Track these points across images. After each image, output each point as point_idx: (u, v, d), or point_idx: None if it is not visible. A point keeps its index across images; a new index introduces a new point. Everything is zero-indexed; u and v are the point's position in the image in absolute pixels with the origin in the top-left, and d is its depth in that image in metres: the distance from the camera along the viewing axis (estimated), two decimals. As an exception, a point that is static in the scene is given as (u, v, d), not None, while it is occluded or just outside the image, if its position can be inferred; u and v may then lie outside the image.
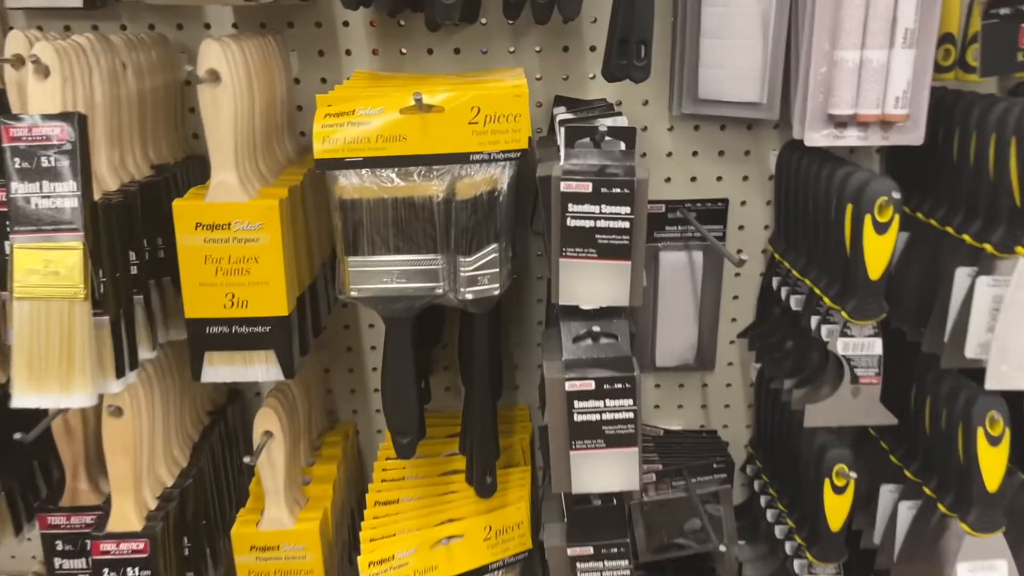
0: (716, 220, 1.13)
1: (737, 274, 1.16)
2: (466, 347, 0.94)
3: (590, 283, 0.82)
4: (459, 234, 0.82)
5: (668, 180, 1.12)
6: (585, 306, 0.84)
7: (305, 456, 1.08)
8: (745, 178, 1.12)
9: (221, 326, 0.86)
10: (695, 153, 1.11)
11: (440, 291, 0.84)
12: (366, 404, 1.23)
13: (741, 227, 1.14)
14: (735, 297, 1.17)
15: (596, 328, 0.85)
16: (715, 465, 1.13)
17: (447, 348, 1.18)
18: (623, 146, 0.81)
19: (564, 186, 0.79)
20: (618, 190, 0.78)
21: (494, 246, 0.84)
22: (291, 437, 1.00)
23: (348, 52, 1.06)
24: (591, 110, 0.93)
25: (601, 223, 0.80)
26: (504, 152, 0.82)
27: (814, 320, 0.95)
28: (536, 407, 1.23)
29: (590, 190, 0.79)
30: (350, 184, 0.80)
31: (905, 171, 0.98)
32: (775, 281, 1.09)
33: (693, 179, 1.12)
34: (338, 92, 0.84)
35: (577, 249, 0.81)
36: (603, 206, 0.79)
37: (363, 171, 0.80)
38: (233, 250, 0.84)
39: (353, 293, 0.83)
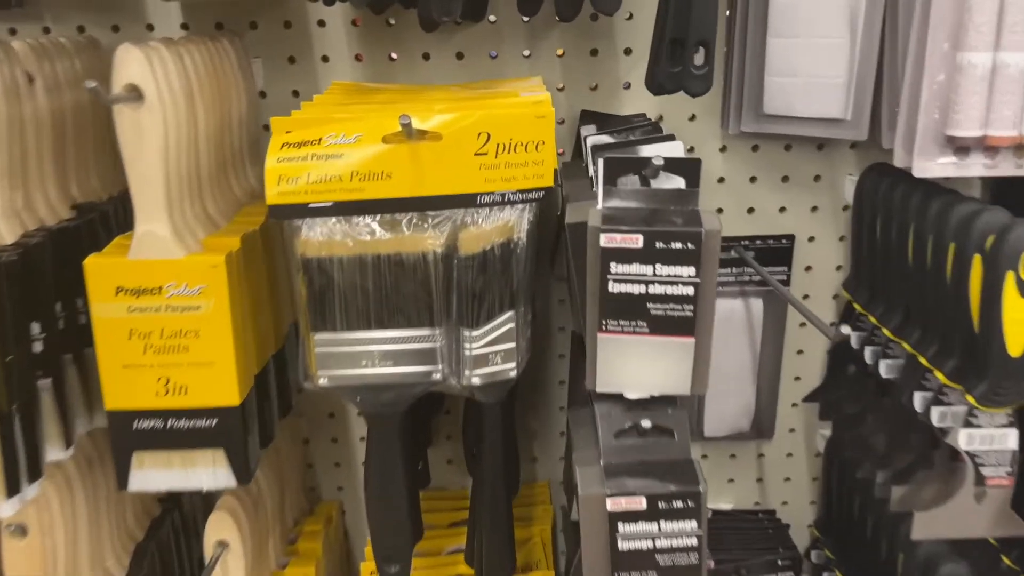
0: (778, 260, 0.92)
1: (802, 324, 0.95)
2: (473, 435, 0.73)
3: (639, 365, 0.62)
4: (463, 300, 0.62)
5: (720, 211, 0.91)
6: (632, 395, 0.64)
7: (276, 557, 0.88)
8: (814, 209, 0.91)
9: (153, 419, 0.65)
10: (753, 179, 0.90)
11: (438, 376, 0.63)
12: (352, 479, 1.02)
13: (808, 268, 0.93)
14: (799, 352, 0.97)
15: (646, 423, 0.65)
16: (780, 562, 0.92)
17: (450, 413, 0.97)
18: (683, 183, 0.60)
19: (606, 240, 0.58)
20: (680, 245, 0.58)
21: (509, 314, 0.63)
22: (255, 542, 0.79)
23: (325, 58, 0.85)
24: (630, 130, 0.73)
25: (656, 288, 0.59)
26: (522, 192, 0.61)
27: (920, 399, 0.74)
28: (558, 482, 1.02)
29: (641, 245, 0.58)
30: (316, 238, 0.60)
31: (1016, 202, 0.77)
32: (855, 338, 0.88)
33: (750, 211, 0.91)
34: (303, 113, 0.63)
35: (622, 322, 0.60)
36: (659, 266, 0.58)
37: (333, 220, 0.60)
38: (166, 321, 0.64)
39: (322, 381, 0.62)
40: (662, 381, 0.62)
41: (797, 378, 0.98)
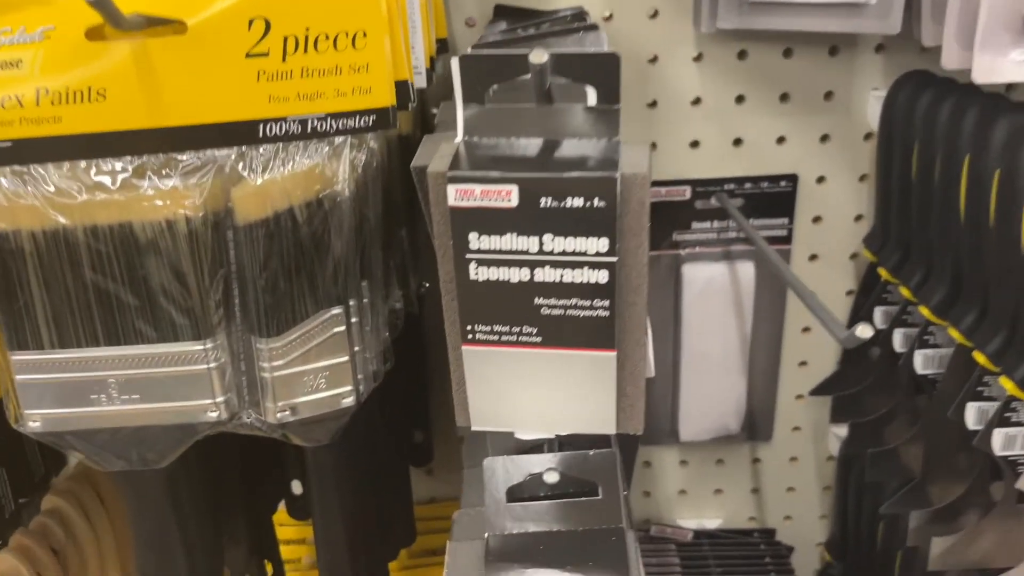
0: (777, 209, 0.68)
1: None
2: (314, 505, 0.49)
3: (531, 391, 0.38)
4: (247, 294, 0.39)
5: (695, 145, 0.67)
6: (525, 436, 0.41)
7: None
8: (824, 139, 0.66)
9: None
10: (740, 99, 0.65)
11: (216, 413, 0.40)
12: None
13: (816, 219, 0.69)
14: (805, 329, 0.73)
15: (551, 475, 0.42)
16: (778, 607, 0.70)
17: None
18: (592, 98, 0.36)
19: (457, 194, 0.34)
20: (581, 201, 0.34)
21: (334, 312, 0.40)
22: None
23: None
24: (542, 24, 0.48)
25: (547, 273, 0.35)
26: (335, 117, 0.37)
27: (974, 412, 0.51)
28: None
29: (516, 202, 0.34)
30: (-11, 201, 0.37)
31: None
32: (879, 313, 0.65)
33: (737, 142, 0.67)
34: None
35: (497, 328, 0.37)
36: (550, 237, 0.35)
37: (12, 172, 0.36)
38: None
39: (33, 424, 0.40)
40: (569, 415, 0.39)
41: (803, 363, 0.74)
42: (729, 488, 0.80)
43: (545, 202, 0.34)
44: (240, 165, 0.37)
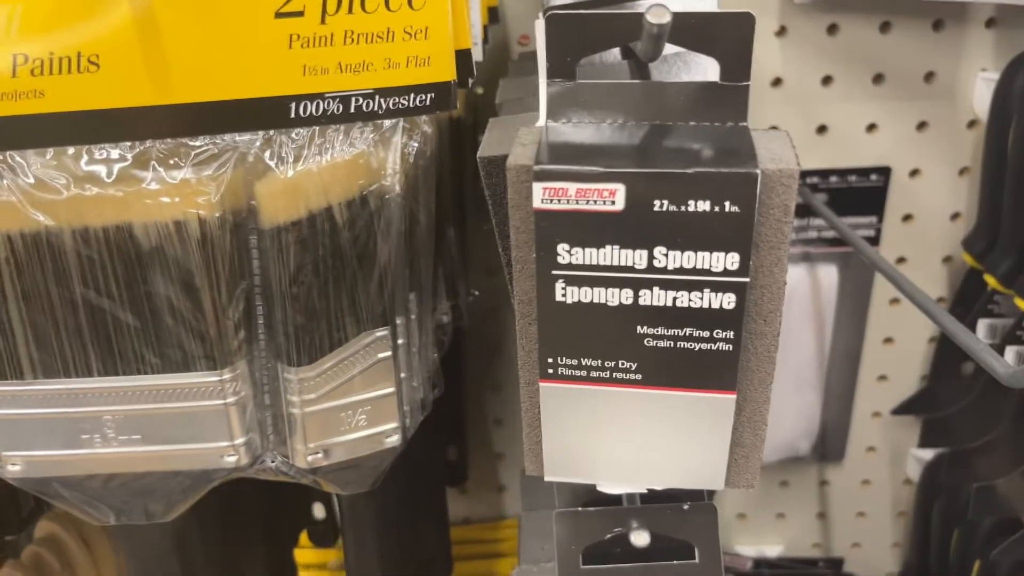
0: (865, 206, 0.60)
1: (895, 299, 0.64)
2: (349, 557, 0.42)
3: (624, 439, 0.31)
4: (273, 313, 0.31)
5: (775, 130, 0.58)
6: (611, 489, 0.33)
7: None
8: (922, 126, 0.58)
9: None
10: (828, 80, 0.57)
11: (235, 458, 0.33)
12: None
13: (907, 217, 0.61)
14: (887, 340, 0.65)
15: (641, 536, 0.34)
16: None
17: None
18: (714, 72, 0.28)
19: (544, 194, 0.27)
20: (708, 205, 0.26)
21: (378, 334, 0.33)
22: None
23: None
24: (625, -13, 0.40)
25: (656, 296, 0.28)
26: (386, 94, 0.30)
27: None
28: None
29: (622, 206, 0.27)
30: (-46, 195, 0.29)
31: None
32: (983, 326, 0.57)
33: (822, 130, 0.59)
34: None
35: (586, 361, 0.29)
36: (662, 251, 0.27)
37: (-17, 159, 0.29)
38: None
39: (12, 468, 0.32)
40: (668, 468, 0.32)
41: (882, 377, 0.66)
42: (793, 512, 0.73)
43: (660, 205, 0.26)
44: (267, 154, 0.30)
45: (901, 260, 0.63)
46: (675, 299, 0.28)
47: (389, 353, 0.34)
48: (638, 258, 0.27)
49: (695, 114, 0.29)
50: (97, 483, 0.32)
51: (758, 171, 0.26)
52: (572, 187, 0.27)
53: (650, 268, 0.27)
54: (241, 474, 0.34)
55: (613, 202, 0.27)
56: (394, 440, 0.35)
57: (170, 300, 0.30)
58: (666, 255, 0.27)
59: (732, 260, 0.27)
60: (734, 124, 0.28)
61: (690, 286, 0.27)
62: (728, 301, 0.27)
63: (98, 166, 0.29)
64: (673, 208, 0.26)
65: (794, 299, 0.61)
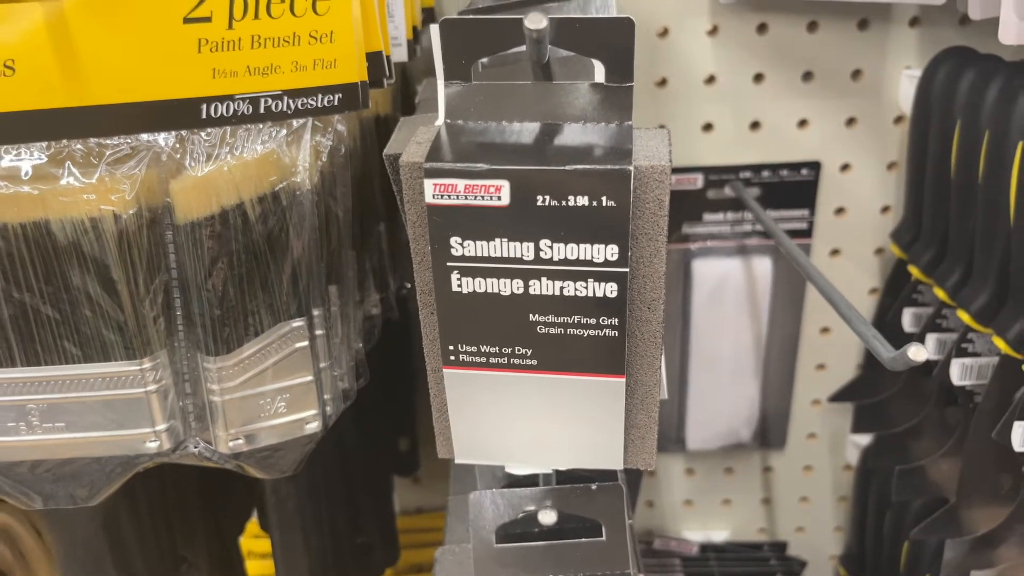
0: (796, 200, 0.62)
1: (829, 291, 0.66)
2: (275, 544, 0.43)
3: (524, 421, 0.33)
4: (189, 304, 0.33)
5: (708, 128, 0.60)
6: (518, 471, 0.35)
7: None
8: (851, 122, 0.60)
9: None
10: (759, 77, 0.59)
11: (157, 443, 0.34)
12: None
13: (839, 211, 0.63)
14: (824, 330, 0.67)
15: (548, 515, 0.36)
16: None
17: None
18: (599, 73, 0.30)
19: (436, 190, 0.28)
20: (586, 200, 0.28)
21: (296, 324, 0.34)
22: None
23: None
24: (542, -11, 0.42)
25: (545, 285, 0.30)
26: (293, 95, 0.31)
27: (1021, 431, 0.45)
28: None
29: (508, 201, 0.28)
30: None
31: None
32: (908, 315, 0.59)
33: (755, 126, 0.61)
34: None
35: (485, 348, 0.31)
36: (547, 244, 0.29)
37: (-100, 160, 0.30)
38: None
39: (-57, 457, 0.34)
40: (570, 448, 0.33)
41: (820, 366, 0.69)
42: (738, 498, 0.75)
43: (542, 200, 0.28)
44: (179, 153, 0.31)
45: (835, 252, 0.65)
46: (562, 288, 0.29)
47: (306, 343, 0.35)
48: (526, 250, 0.29)
49: (584, 114, 0.30)
50: (24, 469, 0.34)
51: (631, 168, 0.27)
52: (460, 183, 0.28)
53: (537, 259, 0.29)
54: (164, 459, 0.35)
55: (499, 197, 0.28)
56: (314, 427, 0.36)
57: (88, 293, 0.32)
58: (551, 247, 0.29)
59: (612, 252, 0.29)
60: (618, 124, 0.30)
61: (575, 276, 0.29)
62: (611, 290, 0.29)
63: (15, 164, 0.31)
64: (555, 203, 0.28)
65: (728, 290, 0.63)
